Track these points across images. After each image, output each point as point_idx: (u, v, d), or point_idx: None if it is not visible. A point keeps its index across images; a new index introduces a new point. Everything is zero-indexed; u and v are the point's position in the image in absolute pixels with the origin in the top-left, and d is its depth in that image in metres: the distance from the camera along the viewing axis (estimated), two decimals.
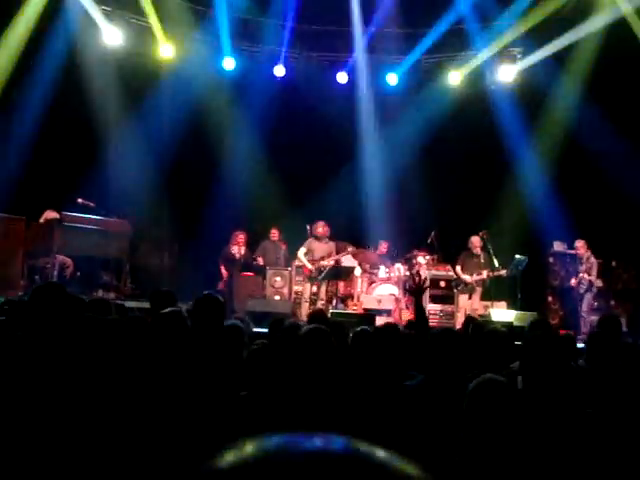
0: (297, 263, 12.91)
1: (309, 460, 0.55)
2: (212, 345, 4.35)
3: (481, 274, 12.25)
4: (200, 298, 4.81)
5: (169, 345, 3.84)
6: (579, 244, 12.49)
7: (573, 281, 12.48)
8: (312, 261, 12.40)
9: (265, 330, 6.95)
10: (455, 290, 12.61)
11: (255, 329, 6.84)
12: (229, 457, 0.58)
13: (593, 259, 12.44)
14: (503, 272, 12.08)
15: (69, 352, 3.27)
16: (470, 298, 12.41)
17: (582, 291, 12.27)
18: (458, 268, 12.57)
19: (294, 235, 13.32)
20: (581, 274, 12.37)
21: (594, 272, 12.43)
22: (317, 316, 6.76)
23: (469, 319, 7.79)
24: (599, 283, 12.79)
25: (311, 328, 3.67)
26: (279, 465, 0.55)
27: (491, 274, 12.15)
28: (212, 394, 3.47)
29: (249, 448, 0.58)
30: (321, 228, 12.49)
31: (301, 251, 12.53)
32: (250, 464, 0.56)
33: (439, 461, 2.63)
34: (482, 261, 12.33)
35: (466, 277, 12.39)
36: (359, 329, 5.20)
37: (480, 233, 12.38)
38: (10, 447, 2.16)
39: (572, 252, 12.70)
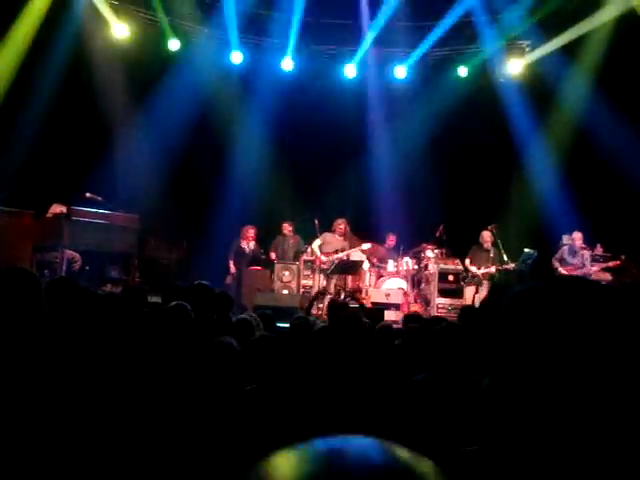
0: (306, 257, 12.94)
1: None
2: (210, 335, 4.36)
3: (489, 267, 12.26)
4: (191, 286, 4.85)
5: (174, 338, 3.84)
6: (576, 235, 12.52)
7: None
8: (325, 254, 12.46)
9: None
10: (462, 283, 12.60)
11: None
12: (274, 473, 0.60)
13: (584, 251, 12.52)
14: (510, 265, 12.07)
15: (81, 343, 3.26)
16: (477, 292, 12.38)
17: None
18: (467, 261, 12.58)
19: (302, 229, 13.32)
20: (576, 273, 12.40)
21: (588, 263, 12.48)
22: (337, 308, 6.70)
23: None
24: (602, 276, 12.78)
25: (322, 327, 3.67)
26: None
27: (500, 268, 12.15)
28: (216, 387, 3.46)
29: (292, 465, 0.59)
30: (342, 225, 12.61)
31: (316, 243, 12.68)
32: None
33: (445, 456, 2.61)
34: (492, 255, 12.34)
35: (473, 268, 12.38)
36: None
37: (489, 227, 12.38)
38: (15, 443, 2.16)
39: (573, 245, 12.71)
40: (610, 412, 0.96)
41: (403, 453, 0.61)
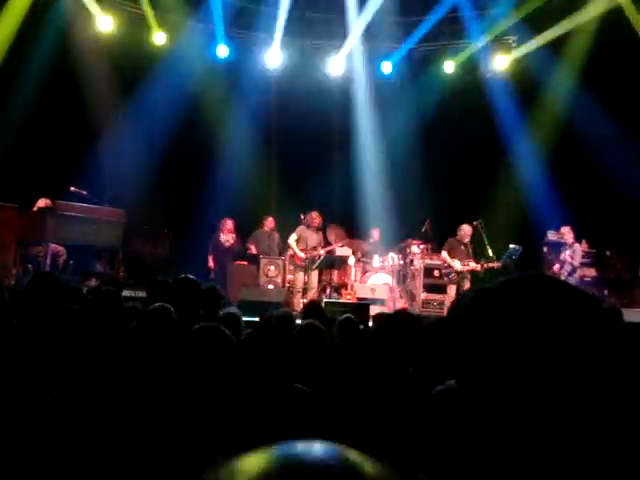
0: (290, 252, 12.88)
1: None
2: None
3: (467, 265, 12.16)
4: (176, 280, 4.84)
5: (157, 339, 3.81)
6: (565, 230, 12.47)
7: (556, 267, 12.45)
8: (304, 250, 12.38)
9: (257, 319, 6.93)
10: (445, 279, 12.49)
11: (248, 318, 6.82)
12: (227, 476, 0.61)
13: (577, 245, 12.43)
14: (495, 264, 12.02)
15: (64, 342, 3.23)
16: (459, 287, 12.26)
17: (564, 276, 12.07)
18: (444, 254, 12.39)
19: (287, 223, 13.30)
20: (563, 256, 12.36)
21: (577, 257, 12.39)
22: (312, 308, 6.71)
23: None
24: (587, 272, 12.82)
25: (305, 325, 3.66)
26: None
27: (485, 265, 12.10)
28: (203, 384, 3.44)
29: (247, 468, 0.61)
30: (317, 218, 12.47)
31: (292, 238, 12.52)
32: None
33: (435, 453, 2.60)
34: (470, 250, 12.24)
35: (456, 264, 12.24)
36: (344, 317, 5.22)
37: (475, 222, 12.32)
38: (4, 441, 2.13)
39: (563, 241, 12.66)
40: (571, 409, 0.96)
41: (363, 465, 0.63)
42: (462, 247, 12.30)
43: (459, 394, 1.07)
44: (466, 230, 12.29)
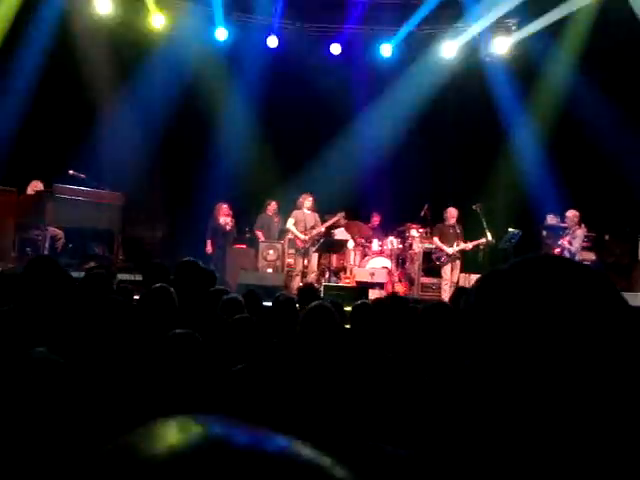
0: (290, 236, 12.84)
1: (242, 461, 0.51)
2: (199, 312, 4.37)
3: (459, 245, 12.13)
4: (181, 263, 4.88)
5: (157, 320, 3.83)
6: (570, 214, 12.39)
7: (557, 250, 12.41)
8: (304, 232, 12.32)
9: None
10: (437, 263, 12.47)
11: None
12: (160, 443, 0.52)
13: (579, 231, 12.34)
14: (485, 241, 11.98)
15: (59, 325, 3.24)
16: (453, 269, 12.24)
17: None
18: (436, 239, 12.40)
19: (287, 206, 13.28)
20: (561, 241, 12.30)
21: (576, 243, 12.33)
22: (307, 290, 6.74)
23: (460, 290, 7.66)
24: (586, 256, 12.81)
25: (314, 306, 3.69)
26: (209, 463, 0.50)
27: (474, 244, 12.06)
28: (203, 367, 3.45)
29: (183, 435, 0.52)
30: (308, 198, 12.41)
31: (290, 223, 12.45)
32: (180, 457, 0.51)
33: (425, 436, 2.61)
34: (458, 231, 12.21)
35: (448, 249, 12.22)
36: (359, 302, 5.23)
37: (474, 206, 12.29)
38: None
39: (565, 225, 12.62)
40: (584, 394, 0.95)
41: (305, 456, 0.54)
42: (449, 230, 12.29)
43: (468, 377, 1.06)
44: (452, 212, 12.25)
